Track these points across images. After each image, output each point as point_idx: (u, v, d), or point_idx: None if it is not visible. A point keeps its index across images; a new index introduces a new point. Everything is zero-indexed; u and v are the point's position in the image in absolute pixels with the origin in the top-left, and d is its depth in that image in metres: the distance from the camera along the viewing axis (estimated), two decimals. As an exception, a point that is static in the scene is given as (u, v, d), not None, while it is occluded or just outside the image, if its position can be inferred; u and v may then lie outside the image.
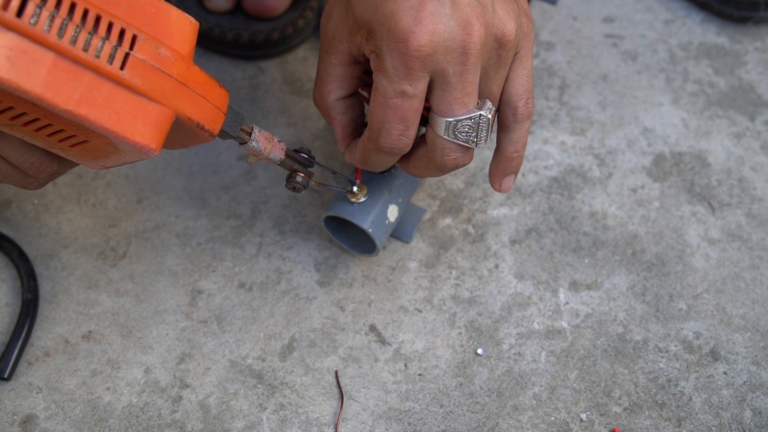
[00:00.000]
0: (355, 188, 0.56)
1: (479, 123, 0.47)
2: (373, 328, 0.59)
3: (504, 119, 0.50)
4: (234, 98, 0.68)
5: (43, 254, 0.60)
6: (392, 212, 0.57)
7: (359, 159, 0.52)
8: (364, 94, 0.57)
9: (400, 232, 0.61)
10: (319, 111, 0.54)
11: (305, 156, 0.52)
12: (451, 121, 0.47)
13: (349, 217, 0.55)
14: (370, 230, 0.56)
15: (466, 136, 0.47)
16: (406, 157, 0.52)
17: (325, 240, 0.62)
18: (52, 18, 0.38)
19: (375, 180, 0.57)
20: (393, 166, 0.57)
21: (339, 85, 0.51)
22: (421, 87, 0.46)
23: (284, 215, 0.63)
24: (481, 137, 0.48)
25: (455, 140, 0.48)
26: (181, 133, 0.44)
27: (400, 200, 0.58)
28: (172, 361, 0.57)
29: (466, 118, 0.47)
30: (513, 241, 0.62)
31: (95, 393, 0.55)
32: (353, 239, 0.60)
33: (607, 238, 0.63)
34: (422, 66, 0.45)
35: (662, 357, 0.58)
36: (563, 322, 0.59)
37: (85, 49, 0.38)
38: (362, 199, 0.56)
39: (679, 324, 0.59)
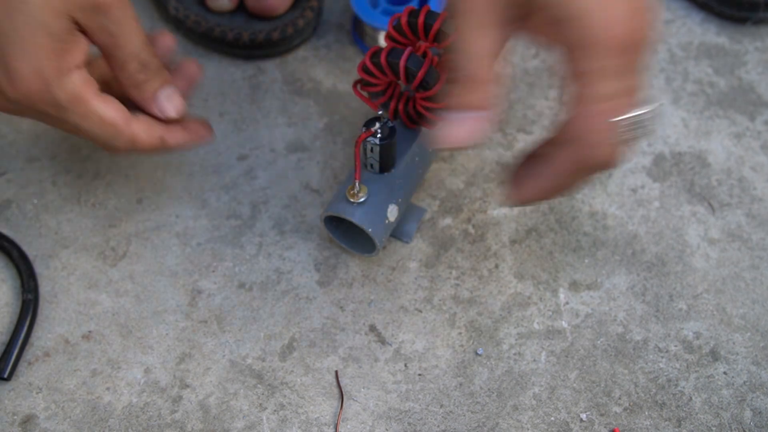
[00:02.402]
0: (354, 189, 0.55)
1: (648, 118, 0.45)
2: (373, 328, 0.59)
3: None
4: (234, 98, 0.68)
5: (43, 254, 0.60)
6: (392, 212, 0.57)
7: (552, 186, 0.46)
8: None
9: (399, 232, 0.61)
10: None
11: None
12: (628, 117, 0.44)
13: (348, 217, 0.55)
14: (369, 230, 0.55)
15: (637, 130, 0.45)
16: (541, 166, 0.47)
17: (325, 240, 0.62)
18: None
19: (374, 180, 0.57)
20: (393, 165, 0.57)
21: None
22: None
23: (284, 215, 0.63)
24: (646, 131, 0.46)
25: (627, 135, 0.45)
26: None
27: (399, 200, 0.57)
28: (172, 361, 0.57)
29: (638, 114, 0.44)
30: (513, 241, 0.62)
31: (95, 393, 0.55)
32: (353, 239, 0.60)
33: (607, 238, 0.63)
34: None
35: (662, 357, 0.58)
36: (563, 322, 0.59)
37: None
38: (362, 199, 0.55)
39: (679, 324, 0.59)
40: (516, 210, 0.64)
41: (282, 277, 0.60)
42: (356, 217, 0.55)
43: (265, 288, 0.60)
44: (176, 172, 0.64)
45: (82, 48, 0.50)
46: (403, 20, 0.54)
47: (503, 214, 0.63)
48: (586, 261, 0.62)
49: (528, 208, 0.64)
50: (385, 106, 0.59)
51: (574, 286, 0.61)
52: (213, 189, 0.64)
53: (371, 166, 0.56)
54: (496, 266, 0.61)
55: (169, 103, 0.53)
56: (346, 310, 0.59)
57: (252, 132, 0.66)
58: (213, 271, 0.60)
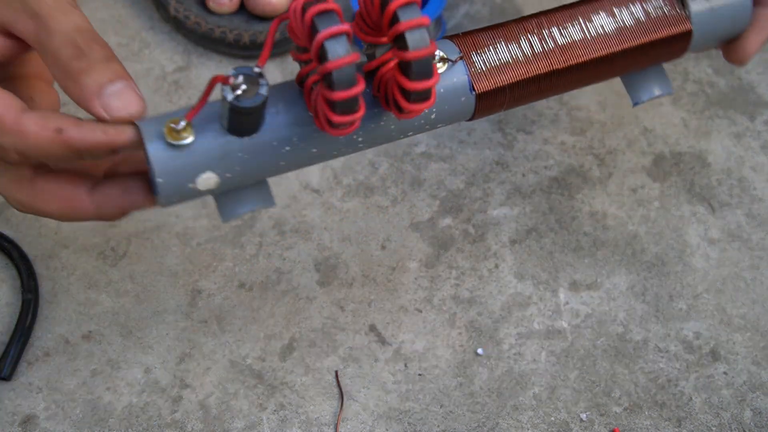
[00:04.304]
0: (182, 123, 0.41)
1: None
2: (373, 328, 0.59)
3: None
4: (234, 98, 0.68)
5: (43, 254, 0.60)
6: (206, 180, 0.43)
7: None
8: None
9: (222, 206, 0.46)
10: None
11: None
12: None
13: (147, 146, 0.41)
14: (159, 179, 0.41)
15: None
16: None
17: (325, 240, 0.62)
18: None
19: (215, 134, 0.42)
20: (246, 134, 0.42)
21: None
22: None
23: (284, 215, 0.63)
24: None
25: None
26: None
27: (229, 175, 0.43)
28: (172, 361, 0.57)
29: None
30: (513, 241, 0.62)
31: (95, 393, 0.55)
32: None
33: (607, 238, 0.63)
34: None
35: (662, 357, 0.58)
36: (563, 322, 0.59)
37: None
38: (181, 141, 0.41)
39: (679, 324, 0.59)
40: (516, 210, 0.64)
41: (282, 277, 0.60)
42: (153, 154, 0.41)
43: (265, 288, 0.60)
44: (176, 172, 0.64)
45: None
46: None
47: (503, 214, 0.63)
48: (586, 261, 0.62)
49: (528, 209, 0.64)
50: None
51: (574, 286, 0.61)
52: (213, 189, 0.64)
53: (221, 117, 0.42)
54: (496, 266, 0.61)
55: (118, 100, 0.40)
56: (346, 310, 0.59)
57: (252, 132, 0.66)
58: (213, 271, 0.60)
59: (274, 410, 0.55)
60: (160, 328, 0.58)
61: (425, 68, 0.40)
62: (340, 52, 0.38)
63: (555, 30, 0.47)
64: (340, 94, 0.39)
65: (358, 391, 0.56)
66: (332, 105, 0.40)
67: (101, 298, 0.59)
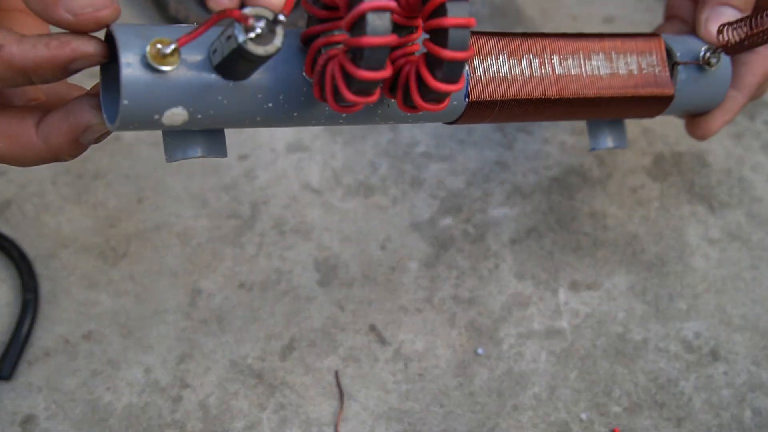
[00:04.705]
0: (170, 47, 0.36)
1: None
2: (373, 328, 0.59)
3: None
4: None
5: (43, 254, 0.60)
6: (172, 116, 0.38)
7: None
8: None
9: (170, 145, 0.41)
10: None
11: None
12: None
13: (121, 65, 0.36)
14: (125, 101, 0.37)
15: None
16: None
17: (325, 240, 0.62)
18: None
19: (198, 66, 0.38)
20: (235, 78, 0.38)
21: None
22: None
23: (284, 215, 0.63)
24: None
25: None
26: None
27: (200, 116, 0.39)
28: (172, 361, 0.57)
29: None
30: (513, 241, 0.62)
31: (95, 393, 0.55)
32: (111, 91, 0.40)
33: (607, 238, 0.63)
34: None
35: (662, 357, 0.58)
36: (563, 322, 0.59)
37: None
38: (166, 68, 0.37)
39: (679, 324, 0.59)
40: (516, 210, 0.64)
41: (282, 277, 0.60)
42: (127, 73, 0.36)
43: (265, 288, 0.60)
44: (176, 172, 0.64)
45: None
46: None
47: (503, 214, 0.63)
48: (586, 261, 0.62)
49: (528, 209, 0.64)
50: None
51: (574, 286, 0.61)
52: (213, 189, 0.64)
53: (213, 52, 0.38)
54: (496, 266, 0.61)
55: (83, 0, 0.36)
56: (346, 310, 0.59)
57: (252, 132, 0.66)
58: (213, 271, 0.60)
59: (274, 410, 0.55)
60: (160, 328, 0.58)
61: (456, 71, 0.37)
62: (381, 30, 0.35)
63: (556, 58, 0.47)
64: (365, 74, 0.36)
65: (358, 391, 0.56)
66: (350, 81, 0.36)
67: (101, 298, 0.59)
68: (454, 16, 0.36)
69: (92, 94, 0.40)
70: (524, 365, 0.57)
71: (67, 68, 0.37)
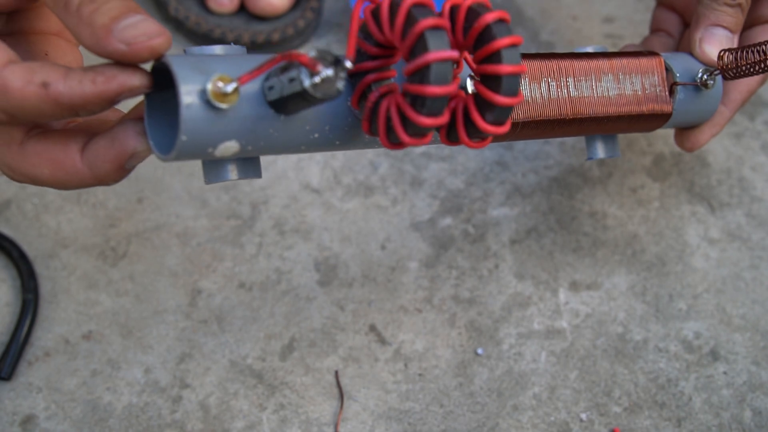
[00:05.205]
0: (231, 86, 0.37)
1: None
2: (373, 328, 0.59)
3: None
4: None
5: (43, 254, 0.60)
6: (225, 148, 0.39)
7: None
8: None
9: (212, 168, 0.42)
10: None
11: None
12: None
13: (181, 102, 0.36)
14: (183, 137, 0.37)
15: None
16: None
17: (325, 240, 0.62)
18: None
19: (253, 102, 0.38)
20: (286, 114, 0.39)
21: None
22: None
23: (284, 215, 0.63)
24: None
25: None
26: None
27: (251, 148, 0.39)
28: (172, 361, 0.57)
29: None
30: (513, 241, 0.62)
31: (95, 393, 0.55)
32: (161, 121, 0.40)
33: (607, 238, 0.63)
34: None
35: (662, 357, 0.58)
36: (563, 322, 0.59)
37: None
38: (226, 106, 0.37)
39: (679, 324, 0.59)
40: (516, 210, 0.64)
41: (282, 277, 0.60)
42: (188, 111, 0.36)
43: (265, 288, 0.60)
44: (176, 172, 0.64)
45: None
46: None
47: (503, 214, 0.63)
48: (586, 261, 0.62)
49: (528, 209, 0.64)
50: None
51: (574, 286, 0.61)
52: (213, 189, 0.64)
53: (270, 89, 0.38)
54: (496, 266, 0.61)
55: (135, 29, 0.35)
56: (346, 310, 0.59)
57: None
58: (213, 271, 0.60)
59: (274, 410, 0.55)
60: (160, 328, 0.58)
61: (506, 115, 0.38)
62: (444, 80, 0.36)
63: (571, 81, 0.49)
64: (426, 120, 0.36)
65: (358, 391, 0.56)
66: (408, 125, 0.37)
67: (101, 298, 0.59)
68: (509, 63, 0.37)
69: (136, 119, 0.39)
70: (524, 365, 0.57)
71: (113, 102, 0.36)
